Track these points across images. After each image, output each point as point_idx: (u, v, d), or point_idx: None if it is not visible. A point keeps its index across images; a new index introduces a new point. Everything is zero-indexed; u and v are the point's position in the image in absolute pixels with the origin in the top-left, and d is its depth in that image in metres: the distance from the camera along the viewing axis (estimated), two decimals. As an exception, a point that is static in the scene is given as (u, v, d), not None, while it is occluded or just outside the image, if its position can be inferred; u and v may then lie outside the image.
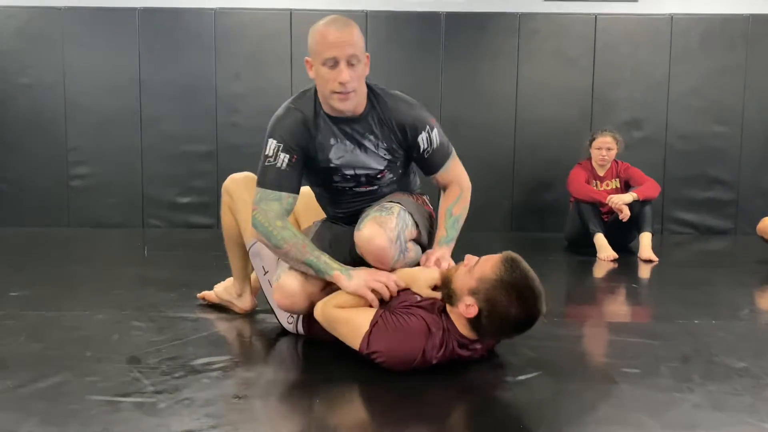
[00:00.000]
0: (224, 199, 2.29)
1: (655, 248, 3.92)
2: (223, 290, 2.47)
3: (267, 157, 1.91)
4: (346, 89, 1.84)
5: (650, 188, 4.07)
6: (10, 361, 1.89)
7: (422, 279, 1.88)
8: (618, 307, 2.90)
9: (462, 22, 4.89)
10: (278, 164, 1.89)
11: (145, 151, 4.97)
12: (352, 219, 2.07)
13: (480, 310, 1.68)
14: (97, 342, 2.07)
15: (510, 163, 4.98)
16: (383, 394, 1.66)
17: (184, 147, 4.96)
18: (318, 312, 1.90)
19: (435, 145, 2.01)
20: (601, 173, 4.29)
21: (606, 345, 2.22)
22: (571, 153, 4.62)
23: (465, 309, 1.70)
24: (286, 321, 2.14)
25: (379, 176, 2.03)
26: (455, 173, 2.10)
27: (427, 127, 1.98)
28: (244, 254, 2.30)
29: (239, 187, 2.24)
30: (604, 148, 4.21)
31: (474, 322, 1.72)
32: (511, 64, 4.92)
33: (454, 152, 2.10)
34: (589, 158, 4.33)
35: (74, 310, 2.48)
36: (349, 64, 1.83)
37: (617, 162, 4.30)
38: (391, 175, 2.06)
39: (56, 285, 2.95)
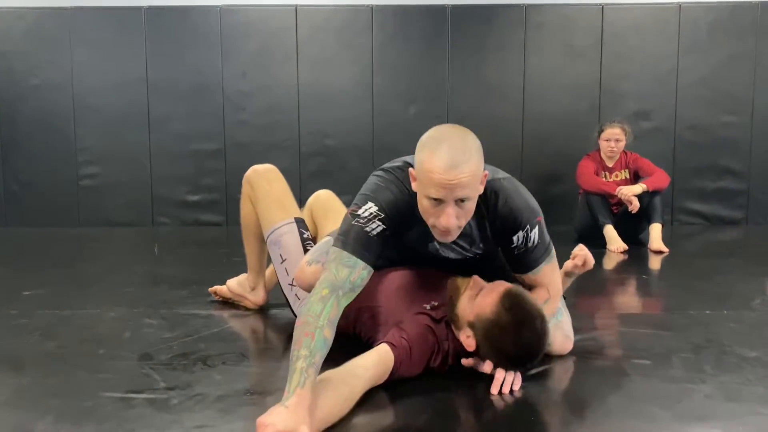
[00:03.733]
0: (244, 189, 2.32)
1: (666, 239, 3.90)
2: (237, 284, 2.49)
3: (357, 216, 1.66)
4: (449, 230, 1.60)
5: (660, 179, 4.05)
6: (25, 359, 1.91)
7: None
8: (628, 299, 2.89)
9: (468, 14, 4.87)
10: (368, 229, 1.64)
11: (154, 150, 4.99)
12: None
13: (478, 345, 1.64)
14: (110, 340, 2.09)
15: (518, 156, 4.97)
16: (393, 386, 1.65)
17: (193, 145, 4.98)
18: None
19: (530, 245, 1.73)
20: (609, 164, 4.27)
21: (617, 336, 2.21)
22: (579, 145, 4.60)
23: (465, 340, 1.67)
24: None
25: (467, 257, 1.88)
26: (547, 280, 1.81)
27: (528, 226, 1.71)
28: (261, 246, 2.34)
29: (260, 177, 2.27)
30: (613, 139, 4.19)
31: (475, 352, 1.68)
32: (518, 56, 4.90)
33: (553, 255, 1.81)
34: (598, 150, 4.31)
35: (86, 308, 2.50)
36: (458, 203, 1.57)
37: (626, 153, 4.28)
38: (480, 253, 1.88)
39: (68, 284, 2.97)
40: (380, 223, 1.65)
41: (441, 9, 4.87)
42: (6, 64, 4.89)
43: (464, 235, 1.74)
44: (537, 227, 1.73)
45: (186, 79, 4.92)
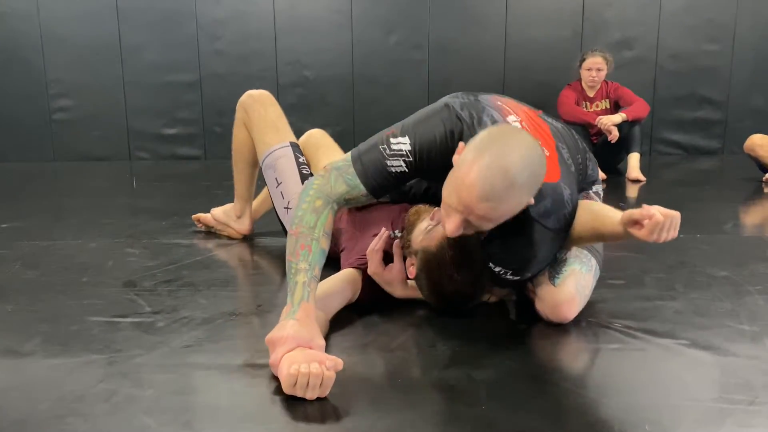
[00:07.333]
0: (239, 114, 2.29)
1: (644, 169, 3.95)
2: (222, 212, 2.50)
3: (388, 144, 1.51)
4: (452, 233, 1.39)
5: (639, 108, 4.06)
6: (7, 288, 1.91)
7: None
8: (605, 225, 2.95)
9: (449, -62, 4.71)
10: (388, 162, 1.50)
11: (128, 82, 4.86)
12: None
13: (417, 276, 1.63)
14: (93, 268, 2.09)
15: (500, 85, 4.91)
16: (378, 311, 1.69)
17: (167, 77, 4.85)
18: None
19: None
20: (590, 94, 4.26)
21: (593, 260, 2.27)
22: (561, 75, 4.57)
23: (409, 267, 1.67)
24: None
25: None
26: None
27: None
28: (252, 174, 2.35)
29: (255, 102, 2.25)
30: (594, 68, 4.16)
31: (414, 280, 1.66)
32: (500, -18, 4.79)
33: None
34: (579, 79, 4.28)
35: (67, 239, 2.49)
36: (472, 224, 1.36)
37: (607, 82, 4.27)
38: None
39: (46, 216, 2.95)
40: (403, 164, 1.51)
41: (422, -68, 4.69)
42: (-34, -9, 4.66)
43: None
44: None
45: (157, 5, 4.74)
